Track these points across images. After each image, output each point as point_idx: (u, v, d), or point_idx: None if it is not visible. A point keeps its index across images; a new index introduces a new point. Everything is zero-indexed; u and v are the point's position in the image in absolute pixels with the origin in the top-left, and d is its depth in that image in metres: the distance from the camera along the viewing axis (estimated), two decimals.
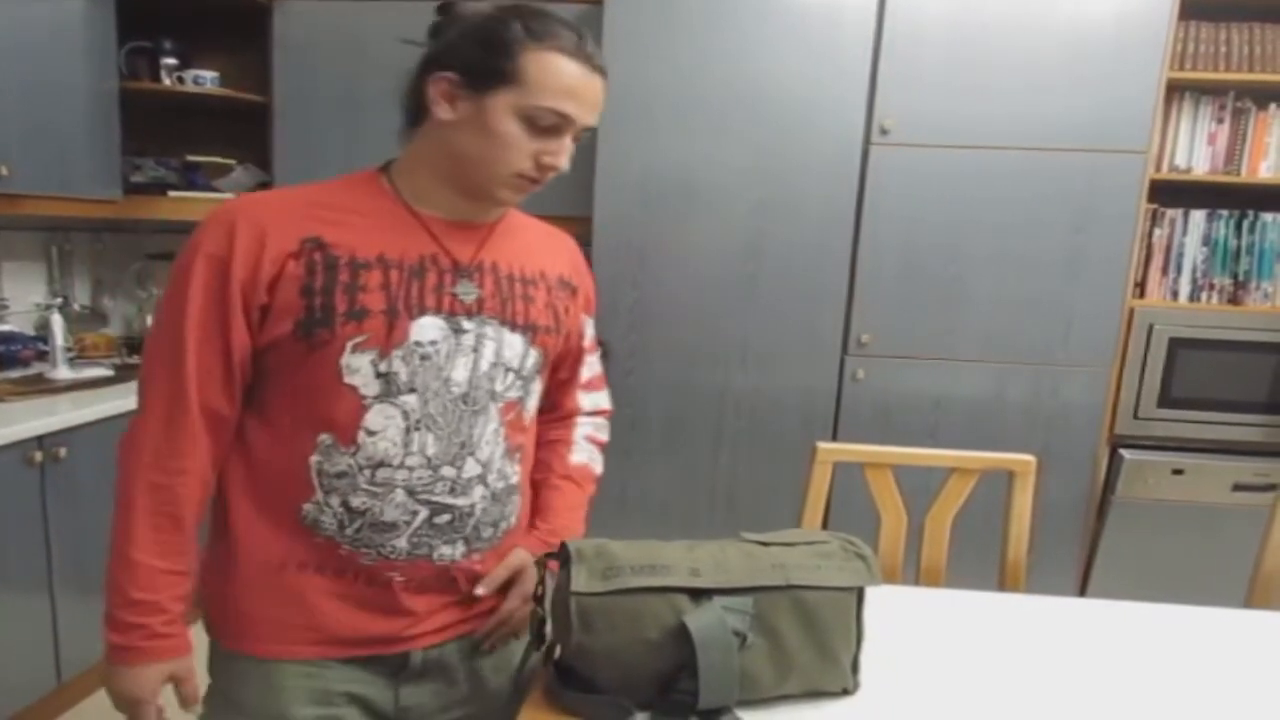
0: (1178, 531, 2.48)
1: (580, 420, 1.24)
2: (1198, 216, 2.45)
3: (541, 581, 1.02)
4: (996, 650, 1.21)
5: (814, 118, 2.34)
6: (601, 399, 1.26)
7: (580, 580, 0.96)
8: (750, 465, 2.55)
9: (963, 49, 2.29)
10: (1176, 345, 2.42)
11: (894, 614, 1.30)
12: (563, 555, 0.99)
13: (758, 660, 1.00)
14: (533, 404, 1.11)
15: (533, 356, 1.08)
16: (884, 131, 2.33)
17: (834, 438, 2.48)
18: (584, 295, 1.19)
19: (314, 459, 0.98)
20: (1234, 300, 2.46)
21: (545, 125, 0.96)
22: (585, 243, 2.48)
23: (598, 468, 1.23)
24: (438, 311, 1.00)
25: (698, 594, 0.98)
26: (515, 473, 1.09)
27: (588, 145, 2.47)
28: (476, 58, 0.95)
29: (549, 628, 1.03)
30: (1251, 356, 2.40)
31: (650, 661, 0.96)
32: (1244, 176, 2.42)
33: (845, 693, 1.07)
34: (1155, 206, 2.45)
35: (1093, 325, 2.38)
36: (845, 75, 2.32)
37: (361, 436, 0.98)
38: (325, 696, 1.03)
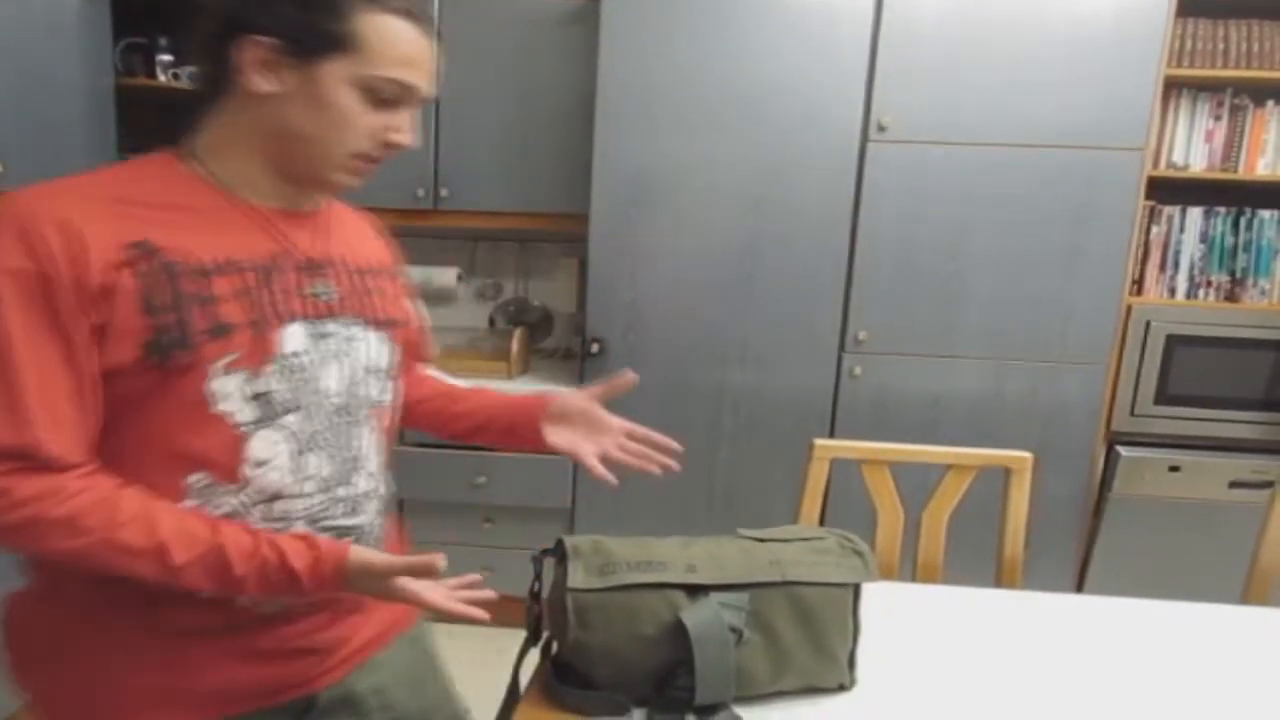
0: (1174, 528, 2.49)
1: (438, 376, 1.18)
2: (1195, 214, 2.46)
3: (537, 577, 1.02)
4: (994, 646, 1.22)
5: (811, 115, 2.34)
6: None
7: (577, 577, 0.97)
8: (748, 463, 2.55)
9: (960, 46, 2.29)
10: (1174, 342, 2.42)
11: (891, 610, 1.31)
12: (559, 552, 1.00)
13: (754, 656, 1.00)
14: (399, 405, 1.04)
15: (395, 355, 1.01)
16: (881, 129, 2.33)
17: (831, 435, 2.48)
18: (404, 278, 1.08)
19: (189, 504, 0.85)
20: (1231, 297, 2.46)
21: (386, 97, 0.86)
22: (581, 240, 2.47)
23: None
24: (303, 316, 0.89)
25: (694, 590, 0.98)
26: (390, 480, 1.02)
27: (583, 141, 2.48)
28: (300, 20, 0.83)
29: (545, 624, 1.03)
30: (1248, 354, 2.40)
31: (647, 658, 0.97)
32: (1241, 173, 2.42)
33: (842, 688, 1.07)
34: (1153, 204, 2.45)
35: (1090, 322, 2.38)
36: (842, 72, 2.32)
37: (248, 470, 0.86)
38: None
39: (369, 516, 0.97)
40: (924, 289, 2.40)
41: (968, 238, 2.36)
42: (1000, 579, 1.59)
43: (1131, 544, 2.52)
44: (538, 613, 1.02)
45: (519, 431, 1.12)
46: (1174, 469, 2.46)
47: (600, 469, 1.07)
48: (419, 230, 2.81)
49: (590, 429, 1.12)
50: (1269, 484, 2.44)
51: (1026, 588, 1.44)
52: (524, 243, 2.94)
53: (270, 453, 0.87)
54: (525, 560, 2.66)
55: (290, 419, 0.88)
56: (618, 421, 1.12)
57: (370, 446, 0.96)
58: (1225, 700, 1.11)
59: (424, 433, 1.16)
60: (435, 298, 2.94)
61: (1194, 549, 2.49)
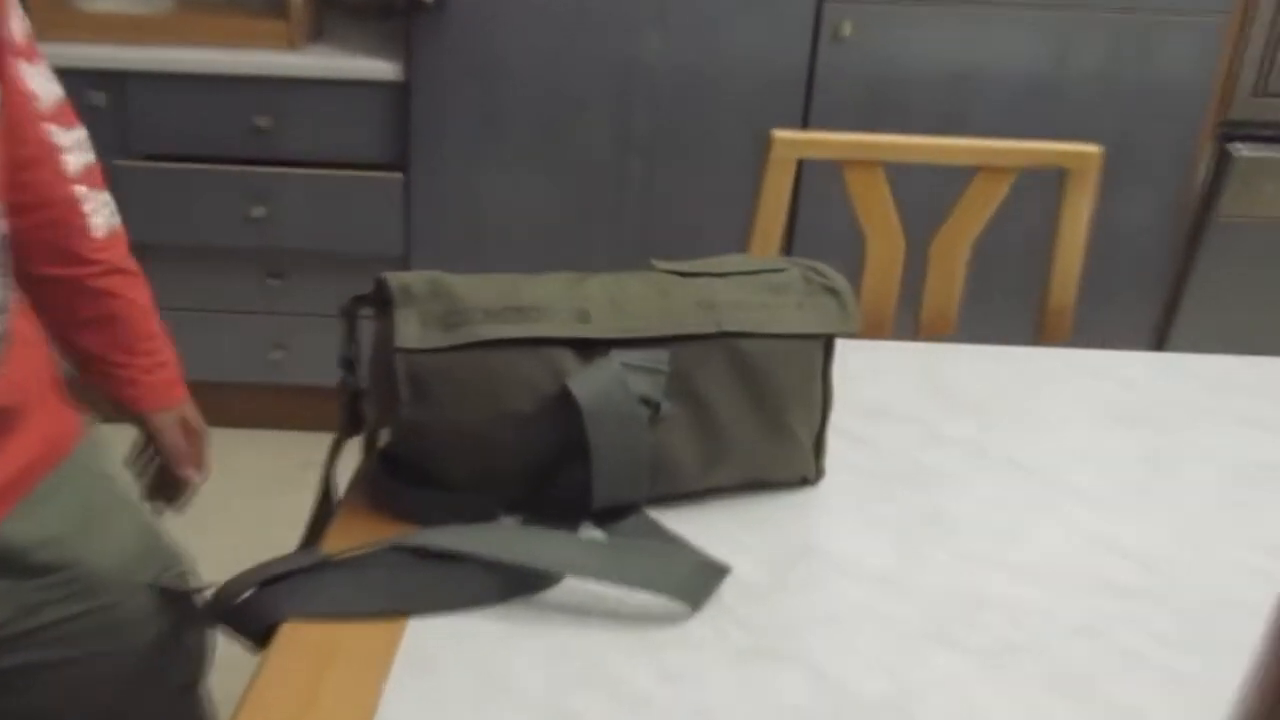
0: None
1: (54, 142, 1.17)
2: None
3: (351, 337, 1.06)
4: (1027, 427, 1.31)
5: None
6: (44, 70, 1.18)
7: (410, 331, 0.99)
8: (674, 183, 2.60)
9: None
10: None
11: (879, 376, 1.38)
12: (382, 297, 1.02)
13: (677, 439, 1.06)
14: None
15: None
16: None
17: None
18: None
19: None
20: None
21: None
22: None
23: (119, 224, 1.25)
24: None
25: (588, 347, 1.02)
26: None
27: None
28: None
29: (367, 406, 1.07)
30: None
31: (519, 444, 1.02)
32: None
33: (805, 482, 1.14)
34: None
35: None
36: None
37: None
38: None
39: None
40: None
41: None
42: (1043, 333, 1.70)
43: (1239, 282, 2.67)
44: (355, 389, 1.06)
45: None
46: None
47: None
48: None
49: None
50: None
51: (1082, 345, 1.53)
52: None
53: None
54: (333, 329, 2.70)
55: None
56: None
57: None
58: None
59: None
60: None
61: None
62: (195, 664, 1.22)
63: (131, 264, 1.26)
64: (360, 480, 1.09)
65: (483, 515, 1.04)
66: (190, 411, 1.34)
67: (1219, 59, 2.51)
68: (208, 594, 1.07)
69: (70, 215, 1.18)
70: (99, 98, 2.52)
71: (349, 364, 1.07)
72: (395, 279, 1.02)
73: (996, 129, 2.37)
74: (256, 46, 2.55)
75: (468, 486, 1.04)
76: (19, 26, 1.10)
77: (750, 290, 1.10)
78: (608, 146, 2.60)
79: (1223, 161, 2.62)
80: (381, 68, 2.54)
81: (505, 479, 1.04)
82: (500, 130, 2.58)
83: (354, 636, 0.92)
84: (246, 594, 0.95)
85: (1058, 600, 1.03)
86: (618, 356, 1.03)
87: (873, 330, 1.70)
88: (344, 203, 2.63)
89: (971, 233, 1.70)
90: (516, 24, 2.50)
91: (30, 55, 1.13)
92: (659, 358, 1.04)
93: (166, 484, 1.36)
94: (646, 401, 1.04)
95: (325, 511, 1.10)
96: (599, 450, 1.02)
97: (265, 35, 2.57)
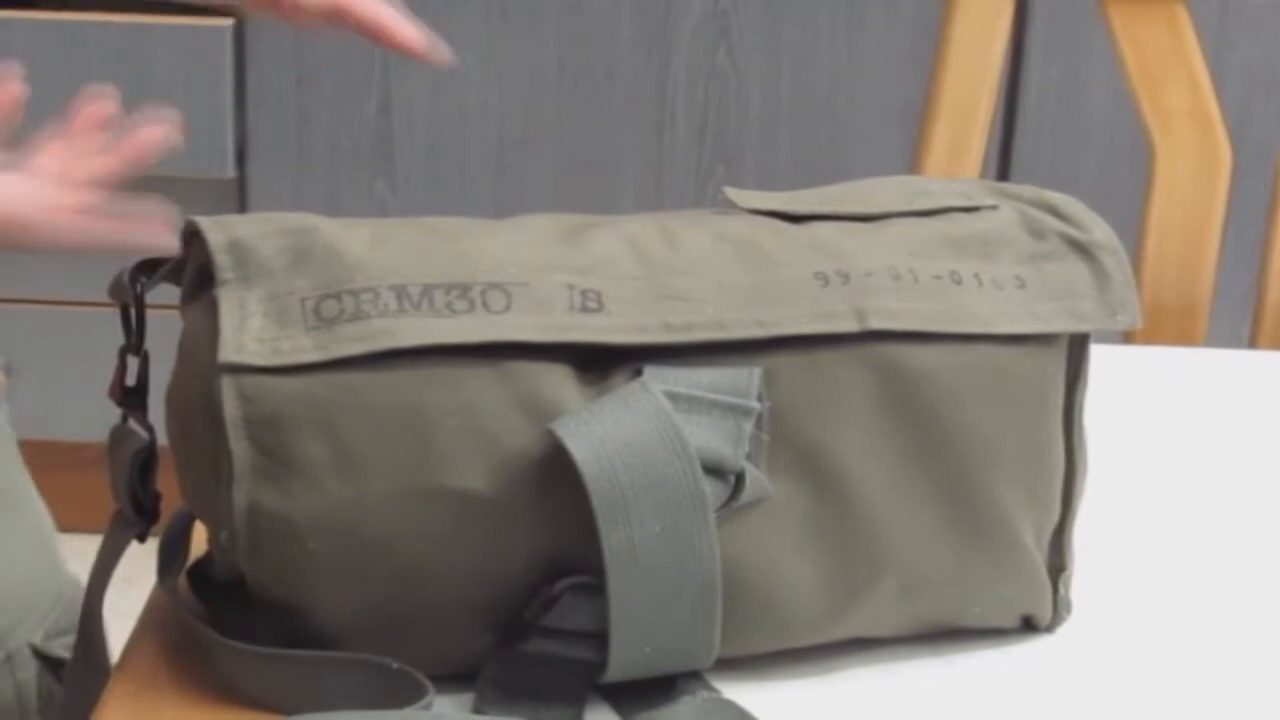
0: None
1: None
2: None
3: (133, 348, 1.00)
4: None
5: None
6: None
7: (250, 333, 0.92)
8: (773, 27, 2.57)
9: None
10: None
11: (1187, 417, 1.43)
12: (189, 261, 0.97)
13: (781, 547, 0.99)
14: None
15: None
16: None
17: None
18: None
19: None
20: None
21: None
22: None
23: None
24: None
25: (599, 361, 0.96)
26: None
27: None
28: None
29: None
30: None
31: (466, 554, 0.94)
32: None
33: (1030, 628, 1.10)
34: None
35: None
36: None
37: None
38: None
39: None
40: None
41: None
42: None
43: None
44: (142, 445, 1.00)
45: None
46: None
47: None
48: None
49: None
50: None
51: None
52: None
53: None
54: (91, 328, 2.84)
55: None
56: None
57: None
58: None
59: None
60: None
61: None
62: None
63: None
64: (154, 624, 1.02)
65: (394, 693, 0.93)
66: None
67: None
68: None
69: None
70: None
71: (132, 396, 1.00)
72: (220, 228, 0.95)
73: None
74: None
75: (363, 638, 0.95)
76: None
77: (922, 248, 1.04)
78: None
79: None
80: None
81: (437, 622, 0.96)
82: None
83: None
84: None
85: None
86: (659, 379, 0.94)
87: (1170, 327, 1.61)
88: (117, 64, 2.66)
89: None
90: None
91: None
92: (742, 383, 0.96)
93: None
94: (717, 470, 0.95)
95: (87, 681, 1.07)
96: (621, 567, 0.92)
97: None
